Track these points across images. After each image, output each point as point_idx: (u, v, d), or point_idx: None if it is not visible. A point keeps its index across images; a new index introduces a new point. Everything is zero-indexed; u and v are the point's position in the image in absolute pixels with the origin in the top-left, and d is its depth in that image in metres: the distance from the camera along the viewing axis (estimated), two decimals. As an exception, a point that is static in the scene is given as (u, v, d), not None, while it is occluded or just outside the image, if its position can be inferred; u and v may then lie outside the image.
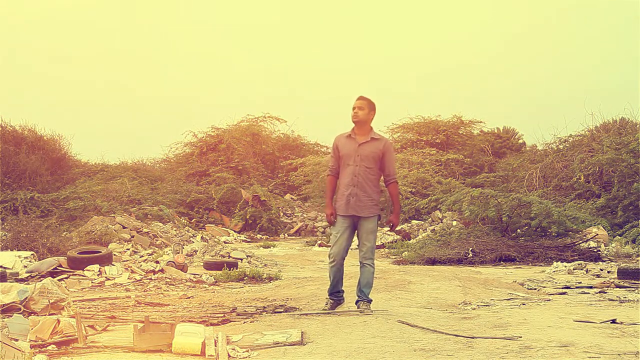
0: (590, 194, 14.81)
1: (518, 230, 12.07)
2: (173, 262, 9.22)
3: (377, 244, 6.52)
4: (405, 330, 4.54)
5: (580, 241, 11.09)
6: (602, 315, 5.14)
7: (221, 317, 5.35)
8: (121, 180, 19.49)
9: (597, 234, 11.69)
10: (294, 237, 18.41)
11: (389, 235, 14.21)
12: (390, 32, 46.48)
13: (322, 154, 24.07)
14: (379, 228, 6.08)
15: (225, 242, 14.85)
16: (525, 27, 43.45)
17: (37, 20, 40.13)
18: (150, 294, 7.19)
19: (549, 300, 6.36)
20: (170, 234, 13.79)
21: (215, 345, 4.02)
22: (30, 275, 8.20)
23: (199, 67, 43.82)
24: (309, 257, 12.30)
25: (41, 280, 5.90)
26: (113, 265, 8.81)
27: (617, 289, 7.08)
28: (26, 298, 5.34)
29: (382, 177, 5.57)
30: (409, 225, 16.14)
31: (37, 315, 4.90)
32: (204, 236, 14.58)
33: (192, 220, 17.74)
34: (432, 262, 10.56)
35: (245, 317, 5.36)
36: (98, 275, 8.38)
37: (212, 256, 11.02)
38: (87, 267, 8.50)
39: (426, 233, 14.45)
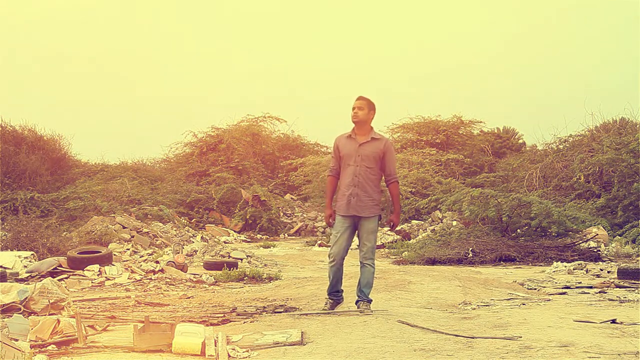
0: (590, 194, 14.82)
1: (518, 230, 12.07)
2: (173, 262, 9.22)
3: (377, 244, 6.51)
4: (405, 330, 4.54)
5: (580, 241, 11.09)
6: (602, 315, 5.14)
7: (221, 317, 5.35)
8: (121, 180, 19.49)
9: (597, 234, 11.69)
10: (294, 237, 18.41)
11: (389, 235, 14.21)
12: (390, 32, 46.53)
13: (322, 154, 24.07)
14: (379, 228, 6.09)
15: (225, 242, 14.85)
16: (525, 27, 43.50)
17: (37, 20, 40.17)
18: (150, 294, 7.19)
19: (549, 300, 6.36)
20: (170, 234, 13.79)
21: (215, 345, 4.02)
22: (30, 275, 8.20)
23: (198, 67, 43.86)
24: (309, 257, 12.30)
25: (41, 280, 5.90)
26: (113, 265, 8.81)
27: (617, 289, 7.08)
28: (26, 298, 5.34)
29: (382, 177, 5.58)
30: (409, 225, 16.14)
31: (37, 315, 4.90)
32: (204, 236, 14.58)
33: (192, 220, 17.74)
34: (432, 262, 10.56)
35: (245, 317, 5.36)
36: (98, 275, 8.38)
37: (212, 256, 11.02)
38: (87, 267, 8.50)
39: (426, 233, 14.45)
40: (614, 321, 4.76)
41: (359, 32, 46.82)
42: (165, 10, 44.80)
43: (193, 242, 13.40)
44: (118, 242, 11.42)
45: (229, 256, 10.78)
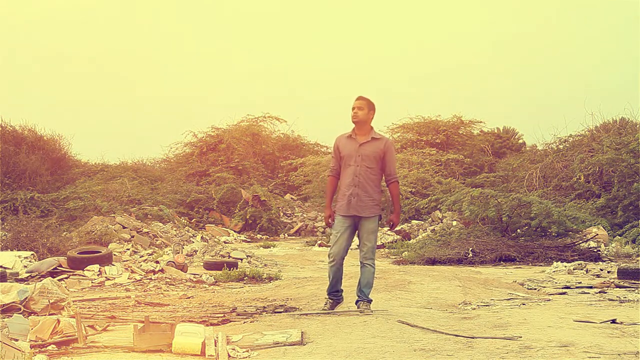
0: (590, 194, 14.82)
1: (518, 230, 12.07)
2: (173, 262, 9.22)
3: (377, 244, 6.51)
4: (405, 330, 4.54)
5: (580, 241, 11.09)
6: (602, 315, 5.14)
7: (221, 317, 5.35)
8: (121, 180, 19.49)
9: (597, 234, 11.70)
10: (294, 237, 18.41)
11: (389, 235, 14.22)
12: (390, 32, 46.52)
13: (322, 154, 24.07)
14: (379, 228, 6.09)
15: (225, 242, 14.85)
16: (525, 27, 43.52)
17: (37, 20, 40.16)
18: (150, 294, 7.19)
19: (549, 300, 6.36)
20: (170, 234, 13.79)
21: (215, 345, 4.02)
22: (30, 275, 8.20)
23: (198, 67, 43.86)
24: (309, 257, 12.30)
25: (41, 280, 5.90)
26: (113, 265, 8.81)
27: (617, 289, 7.08)
28: (26, 298, 5.34)
29: (382, 177, 5.58)
30: (409, 225, 16.14)
31: (37, 315, 4.90)
32: (204, 236, 14.58)
33: (192, 220, 17.75)
34: (432, 262, 10.56)
35: (245, 317, 5.36)
36: (98, 275, 8.38)
37: (212, 256, 11.02)
38: (87, 267, 8.50)
39: (426, 233, 14.45)
40: (614, 321, 4.76)
41: (359, 32, 46.86)
42: (165, 10, 44.84)
43: (193, 242, 13.40)
44: (118, 242, 11.42)
45: (229, 256, 10.78)
